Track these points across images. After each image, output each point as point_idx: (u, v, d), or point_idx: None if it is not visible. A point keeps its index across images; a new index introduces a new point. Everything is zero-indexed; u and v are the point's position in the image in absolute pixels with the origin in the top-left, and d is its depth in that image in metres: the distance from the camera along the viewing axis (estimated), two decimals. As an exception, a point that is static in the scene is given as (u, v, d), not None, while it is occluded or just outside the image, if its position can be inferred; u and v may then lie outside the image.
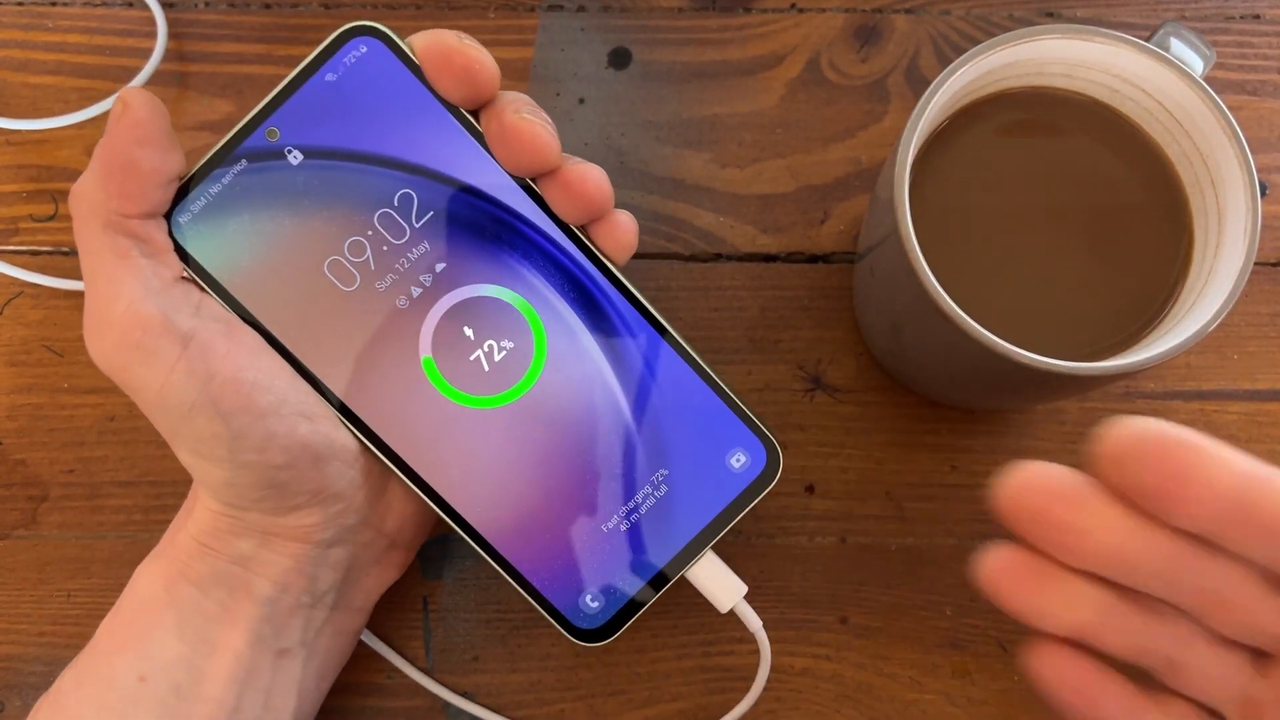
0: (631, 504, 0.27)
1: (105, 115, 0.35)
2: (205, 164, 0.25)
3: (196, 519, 0.27)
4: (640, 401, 0.27)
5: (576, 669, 0.33)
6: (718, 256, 0.36)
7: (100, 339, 0.24)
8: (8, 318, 0.36)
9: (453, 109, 0.25)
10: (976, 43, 0.28)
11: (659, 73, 0.38)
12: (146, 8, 0.37)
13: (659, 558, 0.28)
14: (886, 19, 0.38)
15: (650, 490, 0.27)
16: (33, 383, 0.35)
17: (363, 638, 0.33)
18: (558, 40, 0.38)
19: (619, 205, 0.36)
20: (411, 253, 0.25)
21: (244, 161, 0.25)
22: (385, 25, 0.25)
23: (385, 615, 0.33)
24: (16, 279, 0.36)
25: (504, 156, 0.25)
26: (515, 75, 0.37)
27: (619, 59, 0.38)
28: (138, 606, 0.27)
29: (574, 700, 0.33)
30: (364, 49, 0.24)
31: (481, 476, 0.27)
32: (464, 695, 0.33)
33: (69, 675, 0.26)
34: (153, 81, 0.36)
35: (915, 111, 0.27)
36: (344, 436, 0.27)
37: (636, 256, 0.36)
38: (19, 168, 0.36)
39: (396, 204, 0.25)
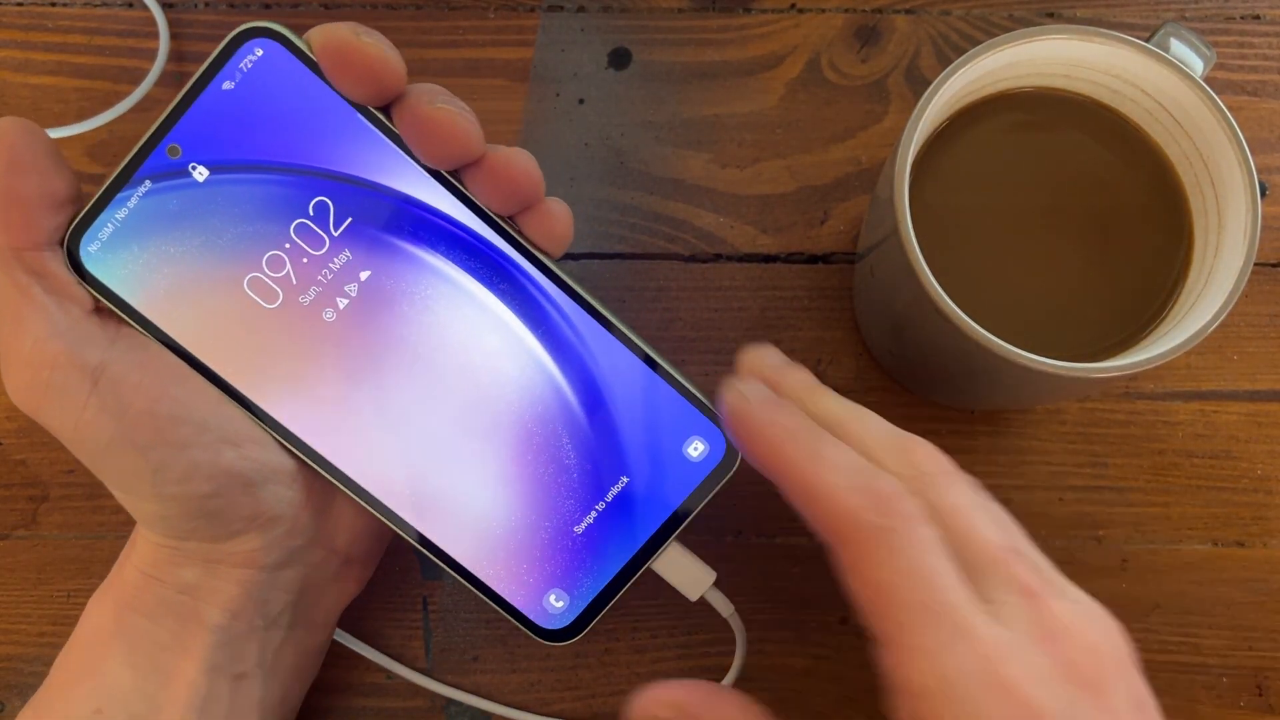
0: (589, 501, 0.27)
1: (106, 124, 0.35)
2: (107, 189, 0.24)
3: (140, 551, 0.26)
4: (589, 396, 0.26)
5: (576, 669, 0.33)
6: (718, 257, 0.36)
7: (12, 380, 0.23)
8: (8, 318, 0.36)
9: (360, 107, 0.23)
10: (976, 43, 0.28)
11: (659, 73, 0.38)
12: (146, 8, 0.37)
13: (622, 552, 0.27)
14: (886, 19, 0.38)
15: (608, 485, 0.27)
16: (33, 383, 0.35)
17: (356, 648, 0.33)
18: (558, 40, 0.38)
19: (620, 204, 0.36)
20: (333, 262, 0.24)
21: (148, 183, 0.23)
22: (280, 24, 0.23)
23: (385, 615, 0.33)
24: (17, 279, 0.36)
25: (424, 150, 0.24)
26: (515, 75, 0.37)
27: (619, 59, 0.38)
28: (88, 639, 0.26)
29: (574, 700, 0.33)
30: (259, 51, 0.23)
31: (428, 484, 0.26)
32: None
33: (28, 712, 0.26)
34: (154, 82, 0.36)
35: (915, 112, 0.27)
36: (276, 458, 0.26)
37: (637, 257, 0.36)
38: (19, 168, 0.36)
39: (312, 213, 0.24)
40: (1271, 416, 0.35)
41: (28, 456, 0.35)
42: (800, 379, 0.26)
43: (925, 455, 0.23)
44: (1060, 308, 0.29)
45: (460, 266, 0.25)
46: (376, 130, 0.24)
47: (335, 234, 0.24)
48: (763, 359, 0.27)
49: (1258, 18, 0.38)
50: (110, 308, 0.24)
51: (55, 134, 0.35)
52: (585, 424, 0.26)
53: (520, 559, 0.27)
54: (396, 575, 0.34)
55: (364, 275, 0.25)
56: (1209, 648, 0.33)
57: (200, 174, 0.23)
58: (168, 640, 0.26)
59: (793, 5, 0.38)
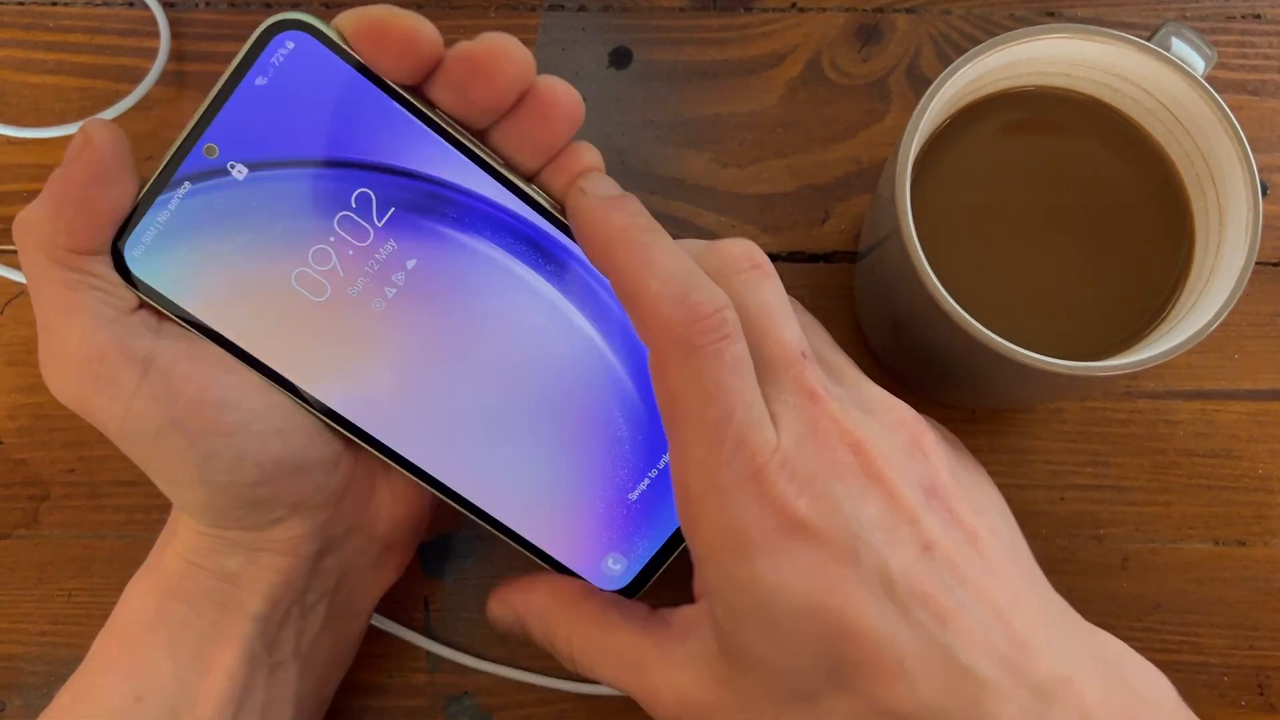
0: (642, 469, 0.27)
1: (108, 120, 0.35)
2: (147, 193, 0.24)
3: (182, 539, 0.26)
4: (637, 368, 0.27)
5: (577, 668, 0.33)
6: (718, 256, 0.36)
7: (57, 373, 0.23)
8: (8, 317, 0.36)
9: (395, 93, 0.23)
10: (977, 42, 0.28)
11: (660, 72, 0.38)
12: (147, 7, 0.37)
13: (675, 516, 0.27)
14: (887, 18, 0.38)
15: (659, 453, 0.27)
16: (33, 383, 0.35)
17: (374, 621, 0.33)
18: (559, 40, 0.38)
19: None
20: (379, 253, 0.24)
21: (187, 184, 0.23)
22: (308, 18, 0.23)
23: (385, 615, 0.33)
24: (17, 280, 0.36)
25: (479, 89, 0.23)
26: (516, 75, 0.37)
27: (620, 58, 0.38)
28: (129, 625, 0.26)
29: (574, 700, 0.33)
30: (290, 44, 0.22)
31: (485, 461, 0.27)
32: (464, 695, 0.33)
33: (66, 694, 0.26)
34: (155, 81, 0.36)
35: (916, 111, 0.27)
36: (321, 447, 0.26)
37: (637, 256, 0.36)
38: (19, 167, 0.36)
39: (354, 205, 0.24)
40: (1273, 416, 0.35)
41: (28, 456, 0.35)
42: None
43: (741, 251, 0.24)
44: (1061, 306, 0.29)
45: (505, 249, 0.25)
46: (414, 118, 0.23)
47: (379, 225, 0.24)
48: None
49: (1258, 17, 0.38)
50: (159, 309, 0.25)
51: (57, 133, 0.35)
52: (635, 395, 0.27)
53: (578, 527, 0.28)
54: (397, 575, 0.34)
55: (410, 264, 0.25)
56: (1210, 647, 0.33)
57: (240, 172, 0.23)
58: (208, 629, 0.26)
59: (794, 4, 0.38)
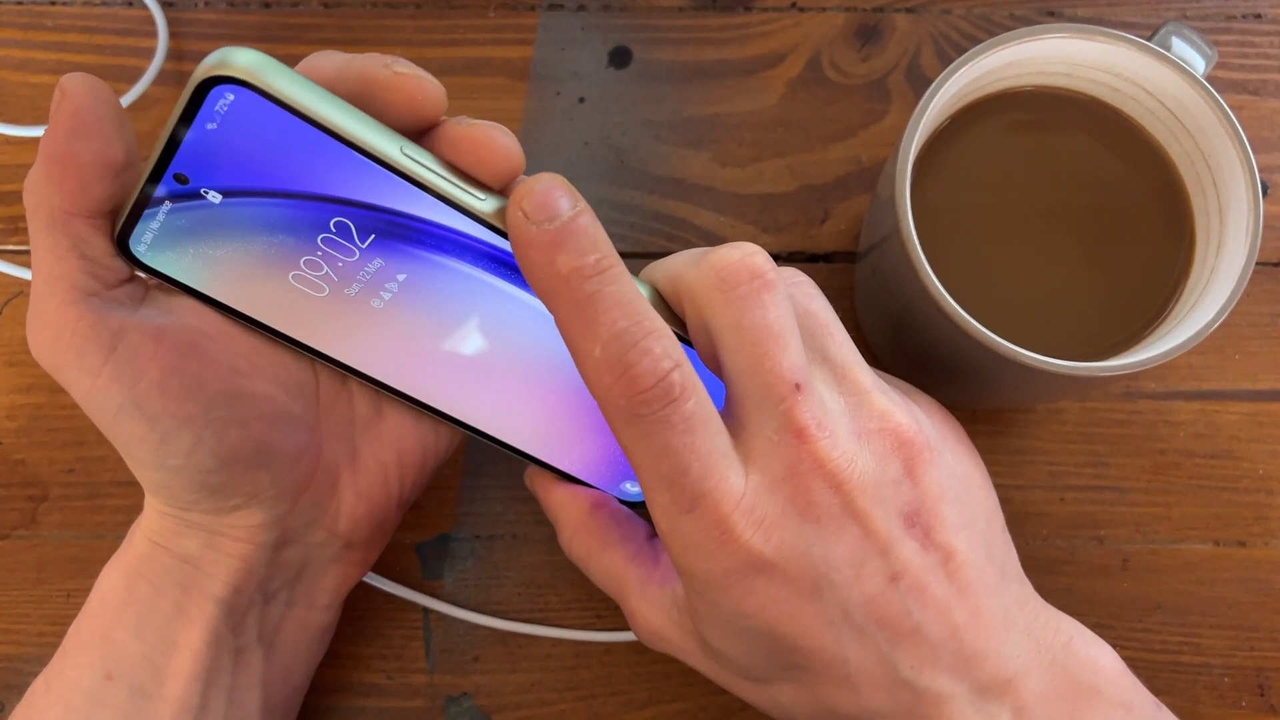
0: None
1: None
2: (135, 204, 0.23)
3: (147, 519, 0.27)
4: None
5: (576, 669, 0.33)
6: (718, 256, 0.36)
7: (35, 336, 0.24)
8: (7, 317, 0.36)
9: (351, 143, 0.22)
10: (977, 42, 0.28)
11: (659, 72, 0.38)
12: (145, 7, 0.37)
13: None
14: (887, 18, 0.38)
15: None
16: (32, 383, 0.35)
17: (386, 587, 0.33)
18: (558, 39, 0.38)
19: (620, 203, 0.36)
20: (368, 267, 0.25)
21: (168, 203, 0.23)
22: (244, 68, 0.21)
23: (385, 615, 0.33)
24: (17, 279, 0.36)
25: (474, 168, 0.23)
26: (515, 74, 0.37)
27: (619, 58, 0.38)
28: (99, 607, 0.27)
29: (574, 700, 0.33)
30: (230, 96, 0.21)
31: (512, 413, 0.28)
32: (463, 696, 0.33)
33: (40, 680, 0.27)
34: (152, 81, 0.36)
35: (916, 111, 0.27)
36: (280, 442, 0.26)
37: (637, 256, 0.36)
38: (19, 167, 0.36)
39: (334, 230, 0.24)
40: (1273, 416, 0.35)
41: (27, 456, 0.35)
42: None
43: (741, 262, 0.22)
44: (1061, 307, 0.29)
45: (486, 272, 0.25)
46: (373, 162, 0.22)
47: (363, 246, 0.24)
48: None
49: (1259, 16, 0.38)
50: (157, 278, 0.25)
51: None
52: None
53: (599, 458, 0.29)
54: (397, 575, 0.34)
55: (401, 277, 0.25)
56: (1210, 648, 0.33)
57: (214, 198, 0.23)
58: (172, 610, 0.26)
59: (793, 4, 0.38)
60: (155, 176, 0.23)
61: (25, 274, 0.35)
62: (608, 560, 0.27)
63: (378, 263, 0.25)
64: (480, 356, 0.27)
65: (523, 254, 0.22)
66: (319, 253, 0.24)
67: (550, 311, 0.22)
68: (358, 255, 0.24)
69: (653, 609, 0.26)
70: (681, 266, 0.24)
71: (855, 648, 0.23)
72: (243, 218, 0.24)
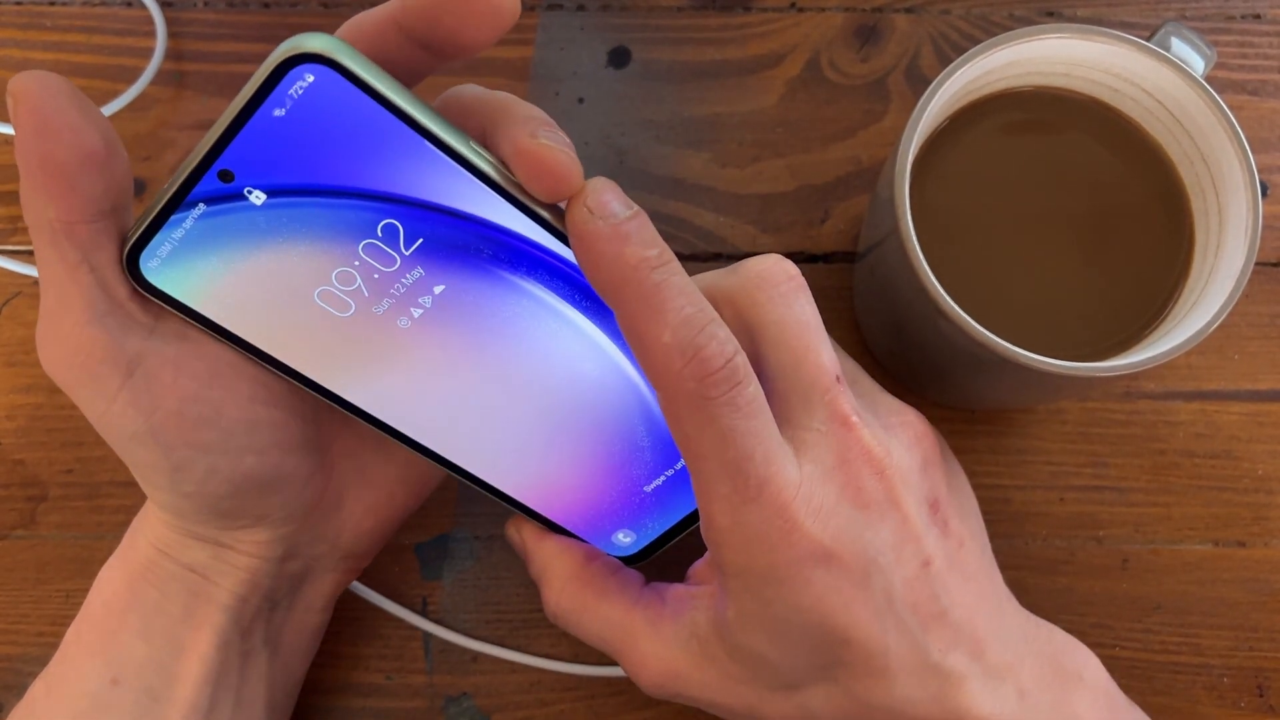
0: (660, 468, 0.28)
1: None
2: (161, 211, 0.22)
3: (151, 526, 0.26)
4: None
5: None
6: (718, 256, 0.36)
7: (48, 352, 0.23)
8: (7, 317, 0.36)
9: (422, 128, 0.22)
10: (977, 42, 0.28)
11: (659, 72, 0.37)
12: (144, 7, 0.37)
13: (688, 503, 0.29)
14: (886, 18, 0.38)
15: (678, 457, 0.28)
16: (31, 383, 0.35)
17: (370, 598, 0.33)
18: (557, 39, 0.38)
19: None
20: (405, 278, 0.24)
21: (202, 205, 0.22)
22: (328, 48, 0.20)
23: (386, 615, 0.33)
24: (16, 279, 0.36)
25: (532, 185, 0.22)
26: (515, 75, 0.37)
27: (618, 58, 0.38)
28: (102, 610, 0.26)
29: (574, 700, 0.33)
30: (310, 78, 0.20)
31: (506, 452, 0.27)
32: (462, 696, 0.33)
33: (40, 683, 0.26)
34: (151, 81, 0.36)
35: (916, 111, 0.27)
36: (294, 466, 0.26)
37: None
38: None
39: (380, 234, 0.23)
40: (1272, 416, 0.35)
41: (26, 456, 0.35)
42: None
43: (778, 267, 0.24)
44: (1061, 307, 0.29)
45: (534, 279, 0.25)
46: (443, 155, 0.22)
47: (406, 253, 0.23)
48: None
49: (1258, 17, 0.38)
50: (172, 312, 0.24)
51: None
52: (656, 409, 0.27)
53: (592, 511, 0.29)
54: (396, 576, 0.34)
55: (438, 289, 0.24)
56: (1210, 648, 0.33)
57: (257, 198, 0.22)
58: (179, 613, 0.26)
59: (793, 4, 0.38)
60: (194, 176, 0.22)
61: (25, 271, 0.35)
62: (607, 610, 0.27)
63: (418, 272, 0.24)
64: (489, 393, 0.26)
65: (590, 247, 0.22)
66: (356, 262, 0.23)
67: (613, 304, 0.22)
68: (398, 264, 0.23)
69: (667, 648, 0.26)
70: (716, 276, 0.25)
71: (895, 635, 0.23)
72: (281, 222, 0.23)
